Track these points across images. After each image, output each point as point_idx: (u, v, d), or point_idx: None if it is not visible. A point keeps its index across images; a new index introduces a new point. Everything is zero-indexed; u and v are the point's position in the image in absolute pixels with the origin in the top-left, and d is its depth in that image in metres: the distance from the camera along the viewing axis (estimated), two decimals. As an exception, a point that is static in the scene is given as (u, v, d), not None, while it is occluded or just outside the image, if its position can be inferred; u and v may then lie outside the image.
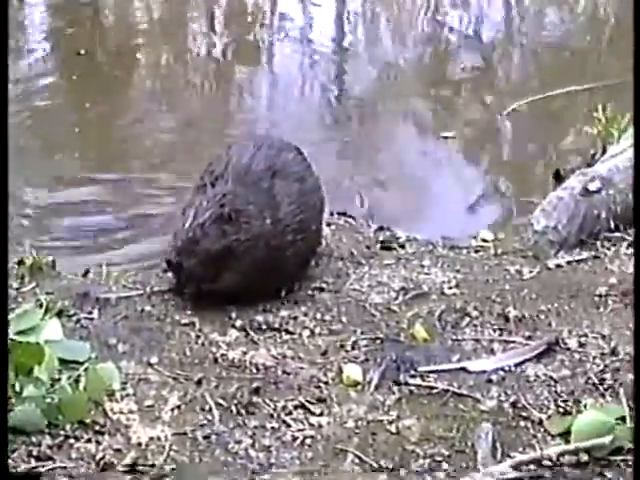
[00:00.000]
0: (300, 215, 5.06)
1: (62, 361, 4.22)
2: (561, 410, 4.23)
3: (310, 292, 5.10)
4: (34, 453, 3.84)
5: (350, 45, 9.58)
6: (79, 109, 7.94)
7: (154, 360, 4.49)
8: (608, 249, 5.55)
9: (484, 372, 4.47)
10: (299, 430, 4.09)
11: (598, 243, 5.60)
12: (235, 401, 4.22)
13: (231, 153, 5.10)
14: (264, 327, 4.78)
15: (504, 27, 10.16)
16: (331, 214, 6.05)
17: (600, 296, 5.03)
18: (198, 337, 4.69)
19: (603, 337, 4.68)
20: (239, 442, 4.01)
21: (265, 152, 5.09)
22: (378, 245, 5.73)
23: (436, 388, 4.36)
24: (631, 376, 4.28)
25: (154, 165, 7.10)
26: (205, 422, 4.11)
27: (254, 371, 4.45)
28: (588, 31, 9.88)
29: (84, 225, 6.31)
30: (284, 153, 5.17)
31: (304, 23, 10.13)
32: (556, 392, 4.33)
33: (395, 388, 4.36)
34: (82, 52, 8.95)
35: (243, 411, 4.18)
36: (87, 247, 6.05)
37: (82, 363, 4.27)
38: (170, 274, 5.04)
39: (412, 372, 4.45)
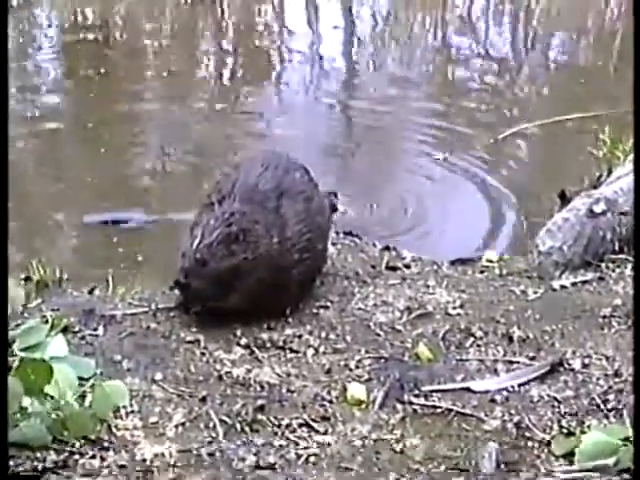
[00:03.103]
0: (307, 234, 5.07)
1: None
2: (565, 431, 4.23)
3: (315, 311, 5.11)
4: (39, 468, 3.85)
5: (358, 66, 9.63)
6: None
7: (159, 377, 4.50)
8: (613, 270, 5.56)
9: (488, 392, 4.47)
10: (303, 448, 4.10)
11: (603, 265, 5.60)
12: (239, 418, 4.22)
13: (239, 171, 5.12)
14: (269, 345, 4.79)
15: (511, 52, 10.21)
16: (337, 233, 6.07)
17: (604, 317, 5.04)
18: (203, 354, 4.70)
19: (607, 358, 4.69)
20: (243, 459, 4.01)
21: (272, 171, 5.10)
22: (383, 265, 5.74)
23: (440, 407, 4.37)
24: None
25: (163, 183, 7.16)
26: (210, 439, 4.11)
27: (258, 389, 4.46)
28: (597, 57, 9.92)
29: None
30: (291, 172, 5.17)
31: (313, 44, 10.19)
32: (560, 413, 4.33)
33: (399, 407, 4.37)
34: (102, 71, 9.02)
35: (247, 428, 4.18)
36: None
37: (87, 380, 4.28)
38: (176, 292, 5.06)
39: (416, 391, 4.46)
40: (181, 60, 9.71)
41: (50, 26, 10.47)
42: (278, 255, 4.93)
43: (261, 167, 5.09)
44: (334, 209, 6.53)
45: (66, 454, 3.94)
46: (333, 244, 5.84)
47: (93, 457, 3.95)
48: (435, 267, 5.77)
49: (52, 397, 4.00)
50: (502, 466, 4.01)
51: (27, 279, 5.39)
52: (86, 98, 8.62)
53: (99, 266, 5.95)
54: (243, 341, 4.80)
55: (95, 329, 4.84)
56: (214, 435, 4.14)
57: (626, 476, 3.86)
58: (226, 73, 9.45)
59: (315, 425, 4.23)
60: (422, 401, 4.40)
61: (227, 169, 5.29)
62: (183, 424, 4.20)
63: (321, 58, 9.88)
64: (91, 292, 5.35)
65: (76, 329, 4.81)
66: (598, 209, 5.69)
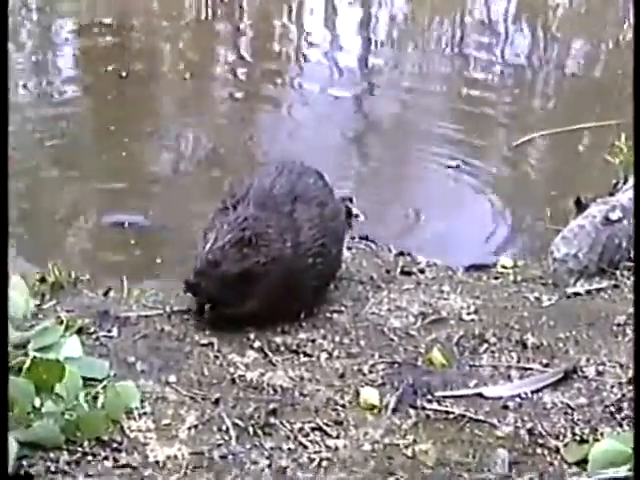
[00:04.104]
0: (321, 239, 5.07)
1: (81, 378, 4.24)
2: (578, 438, 4.22)
3: (329, 315, 5.11)
4: (52, 469, 3.86)
5: (374, 76, 9.62)
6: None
7: (172, 379, 4.51)
8: (628, 278, 5.54)
9: (501, 398, 4.47)
10: (315, 452, 4.10)
11: (618, 272, 5.58)
12: (252, 422, 4.23)
13: (253, 176, 5.13)
14: (282, 349, 4.79)
15: (529, 59, 10.18)
16: (352, 238, 6.07)
17: (619, 325, 5.03)
18: (216, 357, 4.71)
19: (621, 366, 4.68)
20: (255, 463, 4.02)
21: (287, 176, 5.11)
22: (398, 270, 5.74)
23: (453, 413, 4.36)
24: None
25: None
26: (222, 442, 4.12)
27: (271, 392, 4.46)
28: (615, 65, 9.89)
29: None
30: (305, 177, 5.18)
31: (330, 53, 10.19)
32: (573, 420, 4.33)
33: (412, 412, 4.37)
34: (123, 74, 9.04)
35: (260, 432, 4.19)
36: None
37: (101, 381, 4.29)
38: (189, 294, 5.07)
39: (429, 397, 4.46)
40: (200, 63, 9.72)
41: (67, 26, 10.50)
42: (291, 259, 4.93)
43: (275, 172, 5.10)
44: (350, 214, 6.54)
45: (79, 455, 3.95)
46: (348, 248, 5.84)
47: (106, 458, 3.96)
48: (450, 273, 5.77)
49: (62, 397, 4.00)
50: (514, 473, 4.01)
51: (42, 280, 5.40)
52: (106, 101, 8.64)
53: (115, 268, 5.97)
54: (257, 344, 4.81)
55: (109, 331, 4.85)
56: (226, 438, 4.14)
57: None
58: (244, 78, 9.45)
59: (327, 429, 4.23)
60: (435, 406, 4.40)
61: (242, 174, 5.28)
62: (196, 427, 4.21)
63: (338, 63, 9.88)
64: (106, 294, 5.36)
65: (91, 330, 4.82)
66: (614, 216, 5.67)
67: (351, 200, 6.73)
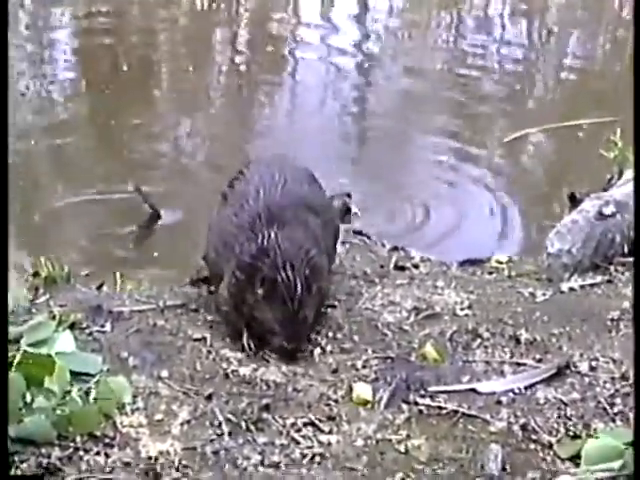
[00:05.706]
0: (328, 242, 5.10)
1: (73, 373, 4.23)
2: (571, 434, 4.21)
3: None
4: (43, 464, 3.85)
5: (370, 67, 9.64)
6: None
7: (165, 374, 4.49)
8: (622, 273, 5.54)
9: (494, 394, 4.46)
10: (308, 447, 4.09)
11: (612, 267, 5.58)
12: (245, 417, 4.22)
13: (258, 184, 5.00)
14: (276, 344, 4.79)
15: (525, 54, 10.20)
16: (346, 232, 6.07)
17: (612, 320, 5.02)
18: (209, 352, 4.70)
19: (614, 361, 4.67)
20: (248, 458, 4.00)
21: (292, 184, 5.02)
22: (392, 264, 5.74)
23: (446, 408, 4.35)
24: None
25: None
26: (215, 437, 4.10)
27: (264, 388, 4.45)
28: (612, 60, 9.91)
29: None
30: (306, 182, 5.13)
31: (326, 42, 10.20)
32: (566, 415, 4.32)
33: (405, 407, 4.36)
34: (124, 68, 9.06)
35: (253, 427, 4.17)
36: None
37: (93, 376, 4.27)
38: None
39: (422, 392, 4.45)
40: (196, 57, 9.74)
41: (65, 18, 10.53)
42: (322, 263, 4.91)
43: (281, 179, 4.99)
44: (348, 211, 6.55)
45: (70, 450, 3.94)
46: (342, 243, 5.83)
47: (98, 454, 3.95)
48: (444, 268, 5.77)
49: (53, 392, 3.99)
50: (507, 468, 4.01)
51: (35, 275, 5.40)
52: (104, 97, 8.65)
53: (108, 262, 5.97)
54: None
55: (102, 325, 4.84)
56: (219, 433, 4.13)
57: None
58: (241, 68, 9.48)
59: (320, 425, 4.22)
60: (428, 402, 4.39)
61: (235, 174, 5.21)
62: (188, 422, 4.20)
63: (333, 53, 9.90)
64: (99, 288, 5.36)
65: (83, 325, 4.81)
66: (607, 211, 5.67)
67: (349, 196, 6.74)
